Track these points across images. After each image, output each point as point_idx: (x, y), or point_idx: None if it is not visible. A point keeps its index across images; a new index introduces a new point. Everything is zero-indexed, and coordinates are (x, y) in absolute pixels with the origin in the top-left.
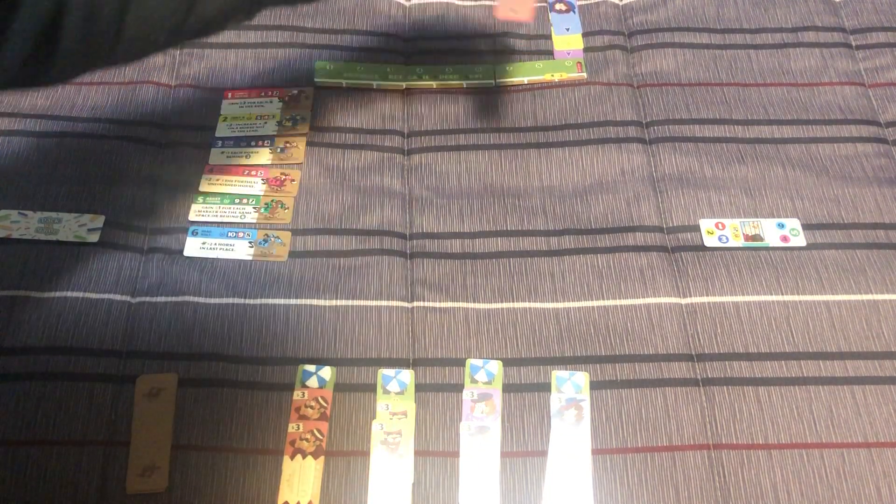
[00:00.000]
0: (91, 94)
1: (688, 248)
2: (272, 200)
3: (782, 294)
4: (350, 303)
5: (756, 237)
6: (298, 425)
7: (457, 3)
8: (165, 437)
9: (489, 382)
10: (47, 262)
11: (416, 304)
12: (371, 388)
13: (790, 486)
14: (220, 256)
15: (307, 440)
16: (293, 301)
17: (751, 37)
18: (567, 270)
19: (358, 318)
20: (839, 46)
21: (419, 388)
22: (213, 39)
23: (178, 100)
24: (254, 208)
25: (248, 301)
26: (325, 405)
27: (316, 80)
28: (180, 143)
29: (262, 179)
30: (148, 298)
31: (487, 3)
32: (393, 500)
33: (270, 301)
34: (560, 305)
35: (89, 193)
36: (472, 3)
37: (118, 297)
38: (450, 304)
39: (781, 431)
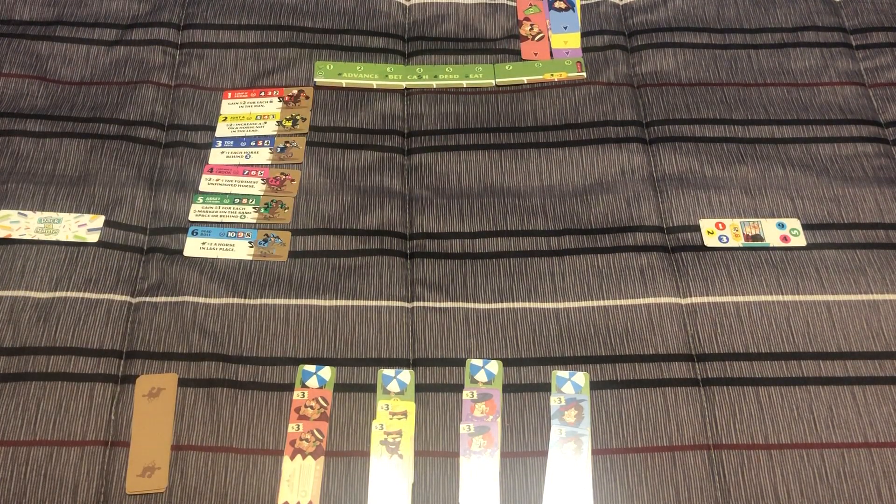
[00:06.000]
0: (91, 94)
1: (688, 248)
2: (272, 200)
3: (782, 294)
4: (350, 303)
5: (756, 237)
6: (298, 425)
7: (457, 2)
8: (165, 437)
9: (489, 382)
10: (47, 262)
11: (416, 304)
12: (371, 388)
13: (790, 486)
14: (220, 256)
15: (307, 440)
16: (293, 301)
17: (751, 37)
18: (567, 270)
19: (358, 318)
20: (839, 46)
21: (419, 388)
22: (212, 39)
23: (178, 100)
24: (254, 208)
25: (248, 301)
26: (325, 405)
27: (316, 80)
28: (180, 143)
29: (262, 179)
30: (148, 298)
31: (488, 2)
32: (393, 500)
33: (270, 301)
34: (560, 305)
35: (89, 193)
36: (473, 3)
37: (118, 297)
38: (450, 304)
39: (781, 431)
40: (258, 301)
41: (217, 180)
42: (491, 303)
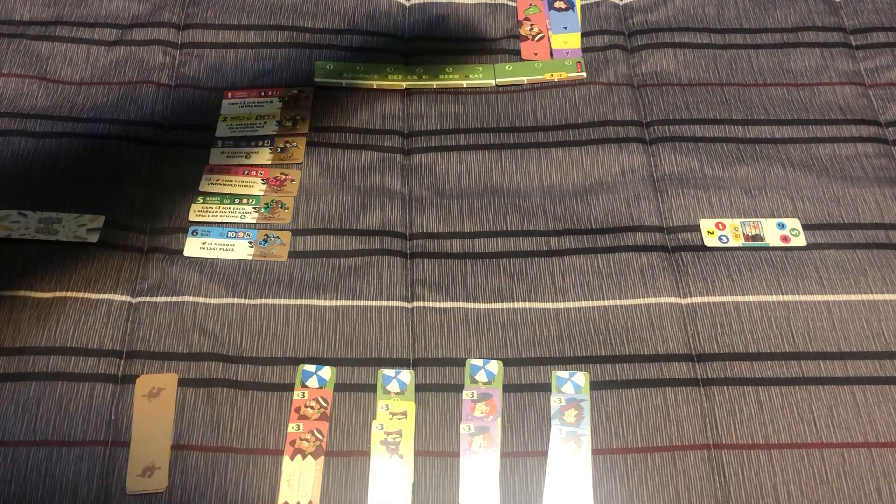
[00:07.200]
0: (91, 94)
1: (688, 248)
2: (272, 200)
3: (782, 294)
4: (350, 303)
5: (756, 237)
6: (298, 425)
7: (457, 2)
8: (165, 437)
9: (489, 382)
10: (47, 262)
11: (416, 304)
12: (371, 388)
13: (790, 486)
14: (220, 256)
15: (307, 440)
16: (293, 301)
17: (751, 37)
18: (567, 270)
19: (358, 318)
20: (839, 46)
21: (419, 388)
22: (212, 39)
23: (178, 100)
24: (254, 208)
25: (248, 301)
26: (325, 405)
27: (316, 80)
28: (180, 143)
29: (262, 179)
30: (148, 298)
31: (488, 2)
32: (393, 500)
33: (270, 301)
34: (560, 305)
35: (89, 193)
36: (473, 3)
37: (118, 297)
38: (450, 304)
39: (781, 431)
40: (258, 301)
41: (217, 180)
42: (491, 303)
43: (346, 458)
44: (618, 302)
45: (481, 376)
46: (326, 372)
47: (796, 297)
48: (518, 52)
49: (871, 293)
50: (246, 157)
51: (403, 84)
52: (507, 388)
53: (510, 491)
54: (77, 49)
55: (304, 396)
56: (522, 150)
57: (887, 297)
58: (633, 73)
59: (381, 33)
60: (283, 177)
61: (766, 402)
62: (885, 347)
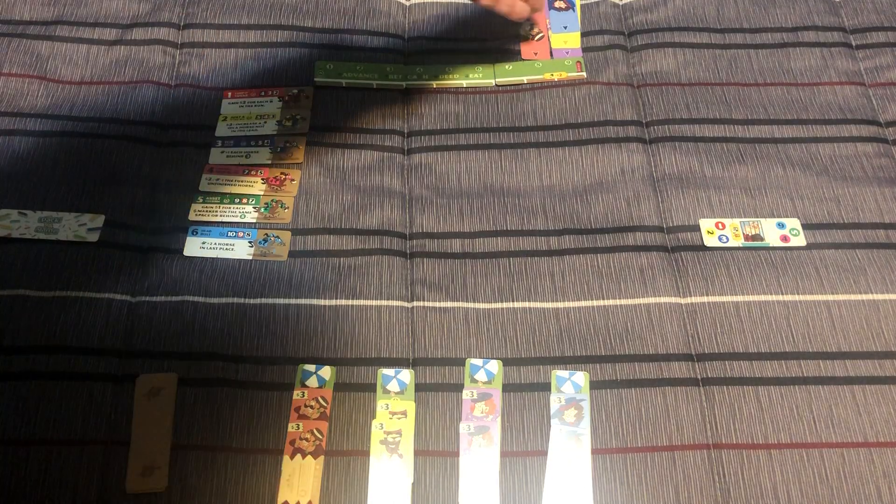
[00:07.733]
0: (91, 94)
1: (688, 247)
2: (272, 200)
3: (782, 294)
4: (350, 303)
5: (756, 237)
6: (298, 425)
7: (457, 2)
8: (165, 437)
9: (489, 382)
10: (47, 262)
11: (416, 303)
12: (371, 388)
13: (790, 486)
14: (219, 256)
15: (307, 440)
16: (293, 301)
17: (751, 37)
18: (567, 270)
19: (358, 317)
20: (839, 46)
21: (419, 387)
22: (212, 39)
23: (178, 100)
24: (254, 208)
25: (248, 301)
26: (325, 405)
27: (316, 79)
28: (180, 143)
29: (262, 179)
30: (148, 298)
31: None
32: (393, 500)
33: (270, 301)
34: (560, 305)
35: (89, 193)
36: (473, 3)
37: (118, 296)
38: (450, 304)
39: (781, 431)
40: (258, 301)
41: (217, 180)
42: (491, 302)
43: (345, 458)
44: (618, 302)
45: (481, 376)
46: (326, 371)
47: (796, 297)
48: (518, 52)
49: (871, 293)
50: (246, 156)
51: (403, 84)
52: (507, 388)
53: (510, 491)
54: (77, 49)
55: (303, 396)
56: (522, 149)
57: (887, 297)
58: (633, 73)
59: (381, 33)
60: (283, 176)
61: (765, 402)
62: (885, 347)
